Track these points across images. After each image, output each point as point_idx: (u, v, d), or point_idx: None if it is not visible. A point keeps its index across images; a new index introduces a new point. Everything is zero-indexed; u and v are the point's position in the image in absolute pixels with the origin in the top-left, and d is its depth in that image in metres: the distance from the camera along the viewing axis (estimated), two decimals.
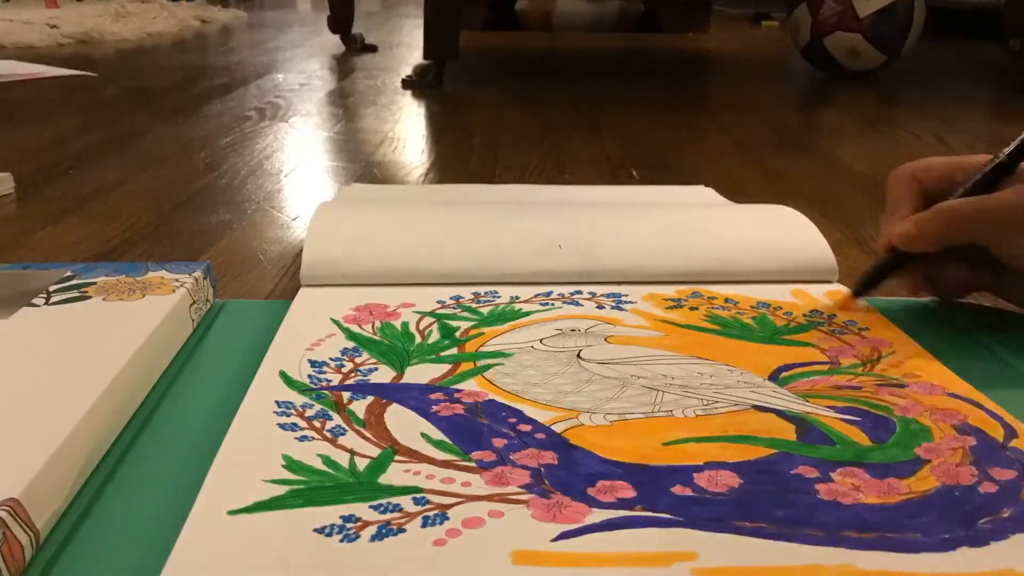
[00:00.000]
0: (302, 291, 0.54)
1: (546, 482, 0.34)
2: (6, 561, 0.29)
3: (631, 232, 0.59)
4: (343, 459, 0.35)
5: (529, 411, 0.39)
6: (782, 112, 1.36)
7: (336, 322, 0.49)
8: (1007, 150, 0.48)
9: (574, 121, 1.18)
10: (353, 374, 0.43)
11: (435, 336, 0.47)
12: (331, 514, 0.32)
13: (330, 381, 0.42)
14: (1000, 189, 0.48)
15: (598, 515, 0.32)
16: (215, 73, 1.64)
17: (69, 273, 0.51)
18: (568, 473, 0.35)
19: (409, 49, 2.07)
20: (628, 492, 0.33)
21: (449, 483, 0.34)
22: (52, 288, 0.48)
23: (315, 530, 0.31)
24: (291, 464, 0.35)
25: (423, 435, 0.37)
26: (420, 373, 0.43)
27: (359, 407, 0.39)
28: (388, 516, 0.32)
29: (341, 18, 2.00)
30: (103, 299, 0.47)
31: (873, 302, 0.53)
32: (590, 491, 0.33)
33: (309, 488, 0.33)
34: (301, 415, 0.39)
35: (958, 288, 0.52)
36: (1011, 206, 0.46)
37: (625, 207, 0.65)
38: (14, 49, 1.93)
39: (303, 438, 0.37)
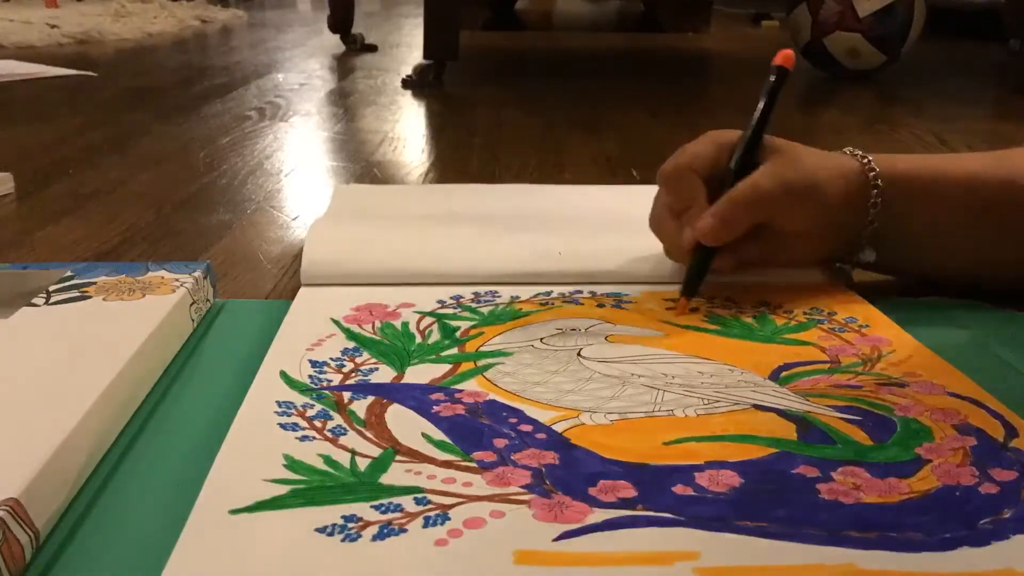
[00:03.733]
0: (302, 291, 0.54)
1: (547, 482, 0.34)
2: (6, 561, 0.29)
3: (631, 243, 0.59)
4: (344, 459, 0.35)
5: (530, 411, 0.39)
6: (782, 112, 1.36)
7: (336, 322, 0.49)
8: (752, 123, 0.54)
9: (574, 121, 1.18)
10: (354, 374, 0.43)
11: (435, 336, 0.47)
12: (332, 514, 0.32)
13: (331, 381, 0.42)
14: (760, 158, 0.53)
15: (599, 515, 0.32)
16: (215, 73, 1.64)
17: (69, 273, 0.51)
18: (569, 473, 0.35)
19: (409, 49, 2.07)
20: (629, 492, 0.33)
21: (450, 483, 0.34)
22: (52, 288, 0.48)
23: (316, 530, 0.31)
24: (292, 464, 0.35)
25: (424, 435, 0.37)
26: (421, 373, 0.43)
27: (360, 407, 0.39)
28: (389, 516, 0.32)
29: (341, 18, 2.00)
30: (103, 299, 0.47)
31: (873, 301, 0.53)
32: (591, 491, 0.33)
33: (310, 488, 0.33)
34: (302, 415, 0.39)
35: (755, 260, 0.55)
36: (783, 181, 0.51)
37: (626, 218, 0.64)
38: (14, 49, 1.93)
39: (304, 438, 0.37)
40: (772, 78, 0.56)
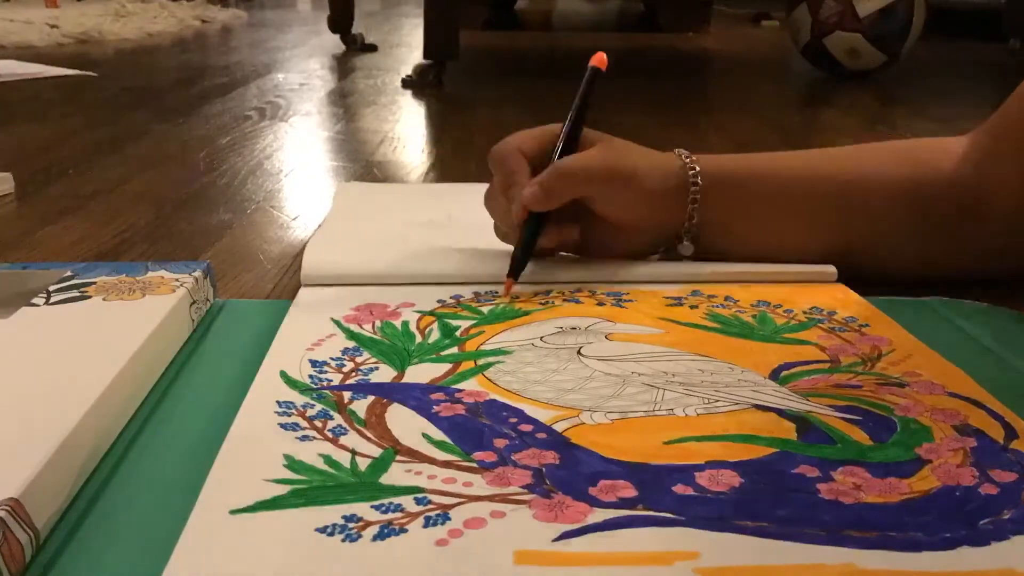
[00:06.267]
0: (302, 291, 0.53)
1: (547, 482, 0.34)
2: (6, 561, 0.29)
3: None
4: (344, 459, 0.35)
5: (530, 410, 0.39)
6: (782, 112, 1.36)
7: (336, 322, 0.49)
8: (571, 113, 0.57)
9: None
10: (354, 374, 0.43)
11: (435, 335, 0.47)
12: (333, 514, 0.32)
13: (331, 381, 0.42)
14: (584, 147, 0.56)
15: (599, 515, 0.32)
16: (215, 73, 1.64)
17: (69, 273, 0.51)
18: (569, 473, 0.35)
19: (409, 49, 2.07)
20: (629, 491, 0.33)
21: (450, 483, 0.34)
22: (52, 288, 0.48)
23: (317, 530, 0.31)
24: (292, 464, 0.35)
25: (424, 435, 0.37)
26: (421, 372, 0.43)
27: (360, 407, 0.39)
28: (390, 516, 0.32)
29: (341, 18, 2.00)
30: (103, 299, 0.47)
31: (873, 301, 0.53)
32: (591, 491, 0.33)
33: (311, 488, 0.33)
34: (302, 415, 0.39)
35: (576, 243, 0.58)
36: (605, 162, 0.54)
37: None
38: (14, 49, 1.93)
39: (304, 438, 0.37)
40: (587, 76, 0.60)
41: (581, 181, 0.54)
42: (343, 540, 0.30)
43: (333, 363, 0.44)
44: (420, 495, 0.33)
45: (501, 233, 0.58)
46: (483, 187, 0.80)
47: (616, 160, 0.55)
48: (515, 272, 0.54)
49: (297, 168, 0.92)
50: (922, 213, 0.57)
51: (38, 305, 0.46)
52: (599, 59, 0.60)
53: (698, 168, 0.56)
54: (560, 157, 0.55)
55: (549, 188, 0.53)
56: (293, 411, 0.39)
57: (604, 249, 0.57)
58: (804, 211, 0.57)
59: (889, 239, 0.58)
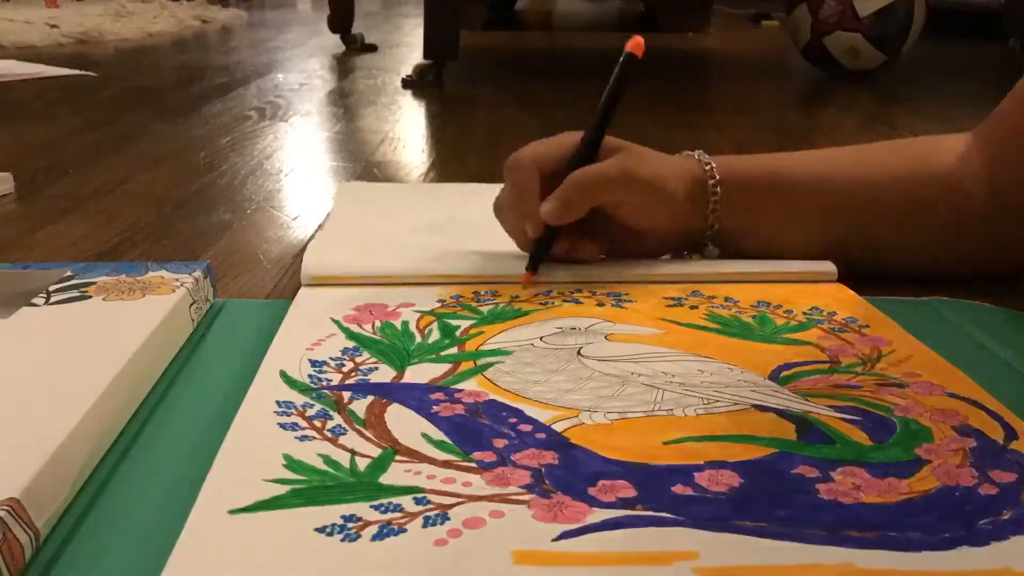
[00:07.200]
0: (302, 291, 0.54)
1: (547, 482, 0.34)
2: (6, 561, 0.29)
3: None
4: (344, 459, 0.35)
5: (529, 411, 0.39)
6: (782, 112, 1.36)
7: (336, 322, 0.49)
8: (591, 125, 0.56)
9: (574, 121, 1.18)
10: (353, 373, 0.43)
11: (435, 335, 0.47)
12: (332, 514, 0.32)
13: (330, 381, 0.42)
14: (602, 157, 0.55)
15: (599, 515, 0.32)
16: (215, 73, 1.64)
17: (69, 273, 0.51)
18: (569, 473, 0.35)
19: (409, 49, 2.07)
20: (629, 491, 0.33)
21: (450, 483, 0.34)
22: (52, 288, 0.48)
23: (316, 530, 0.31)
24: (292, 464, 0.35)
25: (424, 435, 0.37)
26: (420, 372, 0.43)
27: (360, 407, 0.39)
28: (389, 516, 0.32)
29: (341, 18, 2.00)
30: (103, 299, 0.47)
31: (873, 301, 0.53)
32: (591, 491, 0.33)
33: (310, 488, 0.33)
34: (302, 415, 0.39)
35: (594, 254, 0.57)
36: (625, 170, 0.54)
37: None
38: (14, 49, 1.93)
39: (304, 438, 0.37)
40: (619, 66, 0.57)
41: (599, 190, 0.54)
42: (342, 540, 0.30)
43: (333, 363, 0.44)
44: (419, 495, 0.33)
45: (515, 240, 0.57)
46: (483, 187, 0.80)
47: (635, 167, 0.54)
48: (531, 268, 0.54)
49: (297, 168, 0.92)
50: (927, 212, 0.57)
51: (38, 305, 0.46)
52: (635, 44, 0.56)
53: (718, 176, 0.56)
54: (577, 166, 0.54)
55: (567, 201, 0.53)
56: (293, 411, 0.39)
57: (623, 254, 0.58)
58: (816, 212, 0.58)
59: (896, 238, 0.58)
